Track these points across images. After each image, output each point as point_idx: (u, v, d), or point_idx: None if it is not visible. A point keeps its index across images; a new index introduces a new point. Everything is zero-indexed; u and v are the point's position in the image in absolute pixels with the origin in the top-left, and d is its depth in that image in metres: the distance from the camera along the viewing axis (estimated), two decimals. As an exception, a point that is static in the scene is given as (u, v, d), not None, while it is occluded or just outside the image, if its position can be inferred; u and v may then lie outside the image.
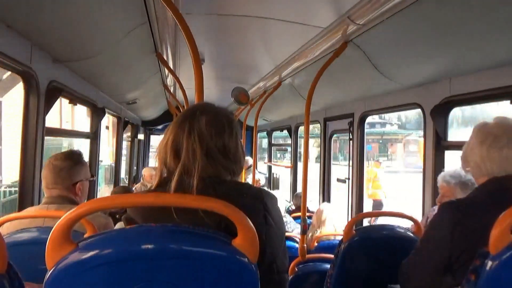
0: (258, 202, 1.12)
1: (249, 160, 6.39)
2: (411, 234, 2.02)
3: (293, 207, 5.20)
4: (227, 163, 1.16)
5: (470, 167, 1.42)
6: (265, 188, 5.82)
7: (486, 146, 1.34)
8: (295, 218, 3.97)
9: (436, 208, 2.37)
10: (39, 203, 2.38)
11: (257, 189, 1.19)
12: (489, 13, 1.68)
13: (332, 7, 2.18)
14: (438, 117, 2.67)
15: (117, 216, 3.02)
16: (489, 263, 1.05)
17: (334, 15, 2.21)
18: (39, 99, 2.41)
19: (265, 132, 8.09)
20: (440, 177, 2.21)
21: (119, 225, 1.17)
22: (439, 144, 2.73)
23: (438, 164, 2.70)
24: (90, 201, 0.97)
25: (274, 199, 1.18)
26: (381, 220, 7.21)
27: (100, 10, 2.07)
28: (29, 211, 1.86)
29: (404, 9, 1.83)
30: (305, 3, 2.22)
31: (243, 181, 6.32)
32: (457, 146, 2.55)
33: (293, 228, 3.54)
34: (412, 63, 2.54)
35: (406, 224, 2.45)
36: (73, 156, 1.96)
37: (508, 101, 2.13)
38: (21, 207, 2.31)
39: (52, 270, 0.89)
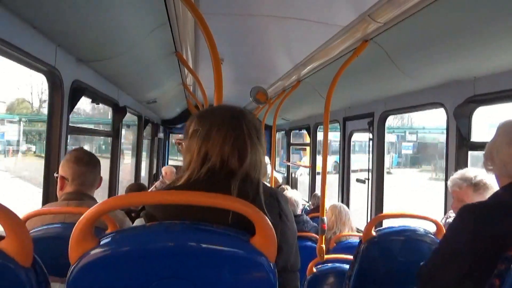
0: (273, 200, 1.14)
1: (266, 159, 6.37)
2: (432, 237, 1.98)
3: (311, 207, 5.17)
4: (255, 171, 1.18)
5: (495, 166, 1.37)
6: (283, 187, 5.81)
7: None
8: (312, 218, 3.95)
9: (451, 212, 2.31)
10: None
11: (272, 188, 1.22)
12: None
13: (352, 6, 2.15)
14: (461, 117, 2.61)
15: (132, 214, 3.06)
16: (514, 268, 1.02)
17: (354, 13, 2.18)
18: (63, 98, 2.48)
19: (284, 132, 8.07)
20: (450, 183, 2.15)
21: (138, 221, 1.19)
22: (462, 144, 2.66)
23: (461, 165, 2.63)
24: (112, 198, 0.99)
25: (286, 198, 1.22)
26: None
27: (122, 12, 2.11)
28: (50, 206, 1.90)
29: (426, 7, 1.79)
30: (325, 1, 2.21)
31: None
32: (481, 146, 2.49)
33: (310, 228, 3.53)
34: (434, 62, 2.49)
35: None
36: (92, 154, 1.99)
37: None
38: (45, 203, 2.38)
39: (75, 265, 0.91)
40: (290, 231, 1.15)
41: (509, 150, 1.31)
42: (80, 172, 1.87)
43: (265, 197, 1.12)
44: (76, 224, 0.93)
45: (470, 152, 2.69)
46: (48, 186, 2.45)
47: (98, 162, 1.97)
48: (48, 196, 2.44)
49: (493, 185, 2.05)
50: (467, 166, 2.65)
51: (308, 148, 6.74)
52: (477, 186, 2.05)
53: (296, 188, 7.36)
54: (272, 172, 5.47)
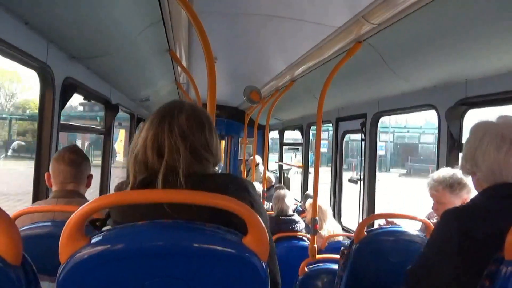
0: (243, 192, 1.14)
1: (258, 158, 6.37)
2: (423, 237, 1.99)
3: (303, 207, 5.18)
4: (210, 157, 1.18)
5: (479, 171, 1.33)
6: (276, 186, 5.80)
7: (504, 152, 1.26)
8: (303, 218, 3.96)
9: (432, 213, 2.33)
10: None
11: (240, 179, 1.21)
12: (506, 14, 1.64)
13: (346, 7, 2.16)
14: (452, 119, 2.63)
15: (97, 223, 3.04)
16: (504, 269, 1.03)
17: (348, 14, 2.19)
18: (55, 95, 2.45)
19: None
20: (428, 187, 2.18)
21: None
22: (453, 146, 2.69)
23: (452, 166, 2.65)
24: (104, 196, 0.98)
25: (254, 187, 1.21)
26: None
27: (115, 9, 2.09)
28: (38, 205, 1.88)
29: (420, 9, 1.81)
30: (319, 2, 2.21)
31: (253, 179, 6.32)
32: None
33: (301, 228, 3.53)
34: (427, 64, 2.51)
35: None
36: (81, 151, 1.98)
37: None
38: (35, 201, 2.36)
39: (65, 264, 0.90)
40: (263, 219, 1.13)
41: (498, 156, 1.27)
42: (61, 170, 1.86)
43: (234, 190, 1.11)
44: (66, 222, 0.92)
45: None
46: (39, 184, 2.42)
47: (84, 160, 1.93)
48: (38, 194, 2.42)
49: (468, 181, 2.07)
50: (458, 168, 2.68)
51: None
52: (453, 186, 2.07)
53: (289, 188, 7.37)
54: (265, 172, 5.47)
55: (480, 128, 1.35)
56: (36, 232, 1.57)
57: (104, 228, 1.12)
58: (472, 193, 2.08)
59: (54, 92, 2.44)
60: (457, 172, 2.12)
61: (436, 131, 2.86)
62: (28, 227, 1.58)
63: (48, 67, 2.33)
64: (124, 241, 0.94)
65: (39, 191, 2.41)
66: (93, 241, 0.93)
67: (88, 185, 1.98)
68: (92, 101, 3.71)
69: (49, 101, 2.43)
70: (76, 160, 1.89)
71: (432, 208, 2.20)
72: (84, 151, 2.06)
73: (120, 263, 0.91)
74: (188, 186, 1.06)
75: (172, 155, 1.11)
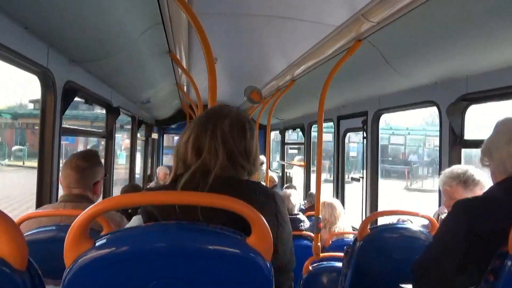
0: (270, 201, 1.16)
1: (262, 158, 6.37)
2: (427, 233, 1.99)
3: (306, 205, 5.18)
4: (246, 164, 1.21)
5: (492, 163, 1.38)
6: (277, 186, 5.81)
7: None
8: (307, 217, 3.96)
9: (442, 208, 2.33)
10: (57, 201, 2.42)
11: (269, 189, 1.24)
12: (505, 10, 1.64)
13: (345, 5, 2.16)
14: (454, 115, 2.63)
15: (129, 211, 3.03)
16: (509, 263, 1.03)
17: (348, 13, 2.19)
18: (56, 99, 2.46)
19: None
20: (440, 182, 2.18)
21: (136, 218, 1.19)
22: (455, 142, 2.68)
23: (454, 163, 2.65)
24: (107, 200, 0.99)
25: (283, 199, 1.24)
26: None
27: (115, 11, 2.10)
28: (46, 208, 1.89)
29: (419, 6, 1.81)
30: (318, 1, 2.21)
31: (256, 179, 6.32)
32: (474, 144, 2.51)
33: (306, 227, 3.54)
34: (427, 61, 2.50)
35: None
36: (94, 156, 2.01)
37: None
38: (39, 205, 2.36)
39: (70, 267, 0.91)
40: (285, 232, 1.17)
41: (508, 148, 1.32)
42: (67, 174, 1.90)
43: (262, 197, 1.14)
44: (71, 226, 0.92)
45: (463, 150, 2.71)
46: (42, 188, 2.43)
47: (91, 166, 1.95)
48: (42, 198, 2.42)
49: (482, 179, 2.08)
50: (460, 164, 2.68)
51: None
52: (467, 183, 2.08)
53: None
54: (267, 171, 5.47)
55: (498, 124, 1.41)
56: (41, 236, 1.57)
57: (133, 218, 1.16)
58: (485, 190, 2.09)
59: (55, 96, 2.45)
60: (470, 168, 2.12)
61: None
62: (33, 231, 1.58)
63: (48, 71, 2.34)
64: (128, 243, 0.94)
65: (42, 195, 2.42)
66: (97, 244, 0.93)
67: (95, 192, 1.98)
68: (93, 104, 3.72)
69: (51, 105, 2.44)
70: (81, 166, 1.91)
71: (445, 204, 2.20)
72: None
73: (125, 265, 0.91)
74: (216, 188, 1.08)
75: (209, 156, 1.15)
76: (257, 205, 0.98)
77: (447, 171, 2.17)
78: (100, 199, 2.06)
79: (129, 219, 1.19)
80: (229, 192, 1.01)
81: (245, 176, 1.21)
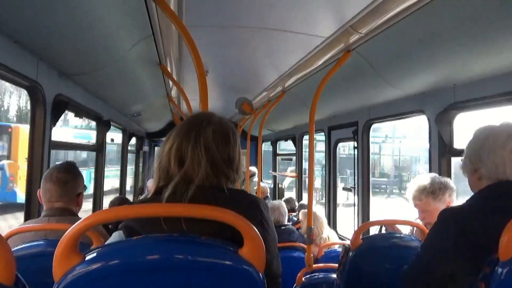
0: (255, 209, 1.14)
1: (254, 168, 6.37)
2: (418, 243, 1.99)
3: (298, 217, 5.17)
4: (230, 172, 1.18)
5: (484, 167, 1.36)
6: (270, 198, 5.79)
7: (509, 149, 1.31)
8: (299, 229, 3.95)
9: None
10: None
11: (253, 196, 1.21)
12: (492, 19, 1.68)
13: (334, 17, 2.19)
14: (442, 123, 2.66)
15: (109, 226, 3.01)
16: (500, 270, 1.03)
17: (336, 24, 2.22)
18: (46, 113, 2.44)
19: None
20: (410, 198, 2.20)
21: (116, 234, 1.16)
22: (444, 151, 2.71)
23: (444, 171, 2.68)
24: (96, 213, 0.98)
25: (267, 206, 1.21)
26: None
27: (105, 25, 2.10)
28: (29, 223, 1.86)
29: (406, 17, 1.84)
30: (307, 13, 2.24)
31: (247, 190, 6.30)
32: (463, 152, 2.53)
33: (296, 238, 3.52)
34: (415, 71, 2.54)
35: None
36: (74, 168, 1.97)
37: (513, 107, 2.12)
38: (27, 219, 2.33)
39: (59, 282, 0.89)
40: (271, 239, 1.16)
41: (503, 152, 1.32)
42: (48, 188, 1.87)
43: (245, 206, 1.11)
44: (60, 240, 0.91)
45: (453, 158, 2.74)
46: (30, 203, 2.39)
47: (73, 178, 1.92)
48: (30, 213, 2.38)
49: (448, 183, 2.10)
50: (450, 173, 2.70)
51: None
52: (435, 193, 2.10)
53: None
54: (259, 182, 5.46)
55: (485, 129, 1.41)
56: (29, 252, 1.54)
57: (114, 234, 1.13)
58: (455, 194, 2.13)
59: (45, 110, 2.43)
60: (434, 176, 2.15)
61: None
62: (21, 246, 1.55)
63: (38, 85, 2.33)
64: (118, 257, 0.93)
65: (31, 209, 2.38)
66: (87, 258, 0.92)
67: (78, 204, 1.95)
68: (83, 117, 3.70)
69: (40, 119, 2.42)
70: (63, 179, 1.87)
71: (419, 218, 2.21)
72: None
73: (115, 279, 0.90)
74: (200, 198, 1.06)
75: (192, 166, 1.12)
76: (243, 214, 0.97)
77: (412, 185, 2.18)
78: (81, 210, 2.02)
79: (110, 234, 1.16)
80: (213, 202, 1.01)
81: (229, 185, 1.18)
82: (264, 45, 2.93)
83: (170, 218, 1.03)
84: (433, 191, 2.10)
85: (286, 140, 7.23)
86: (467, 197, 1.41)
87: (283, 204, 3.75)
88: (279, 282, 1.19)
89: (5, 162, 11.95)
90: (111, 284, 0.90)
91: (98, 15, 1.98)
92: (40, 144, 2.42)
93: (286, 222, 3.62)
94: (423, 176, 2.22)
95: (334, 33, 2.31)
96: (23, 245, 1.57)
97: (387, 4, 1.76)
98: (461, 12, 1.71)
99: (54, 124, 2.58)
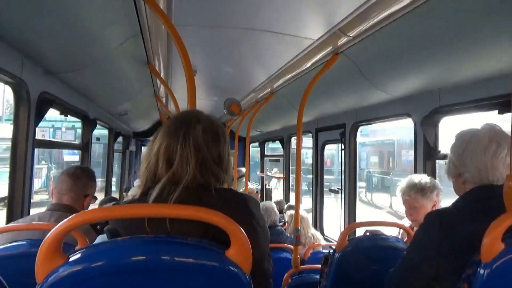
0: (243, 208, 1.11)
1: (242, 169, 6.36)
2: (404, 245, 2.02)
3: (285, 219, 5.18)
4: (219, 172, 1.15)
5: (467, 172, 1.38)
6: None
7: (490, 154, 1.33)
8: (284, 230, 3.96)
9: (405, 220, 2.39)
10: (29, 214, 2.35)
11: (241, 194, 1.18)
12: (477, 26, 1.71)
13: (323, 20, 2.21)
14: (428, 127, 2.70)
15: (98, 227, 3.01)
16: (482, 272, 1.05)
17: (325, 27, 2.24)
18: (30, 111, 2.39)
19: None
20: (399, 193, 2.28)
21: (100, 238, 1.14)
22: (429, 154, 2.75)
23: (429, 174, 2.72)
24: (81, 213, 0.96)
25: (257, 203, 1.18)
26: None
27: (92, 22, 2.07)
28: (32, 217, 1.86)
29: (394, 21, 1.86)
30: (296, 15, 2.25)
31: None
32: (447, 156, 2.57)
33: (285, 239, 3.53)
34: (402, 74, 2.58)
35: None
36: (90, 171, 2.10)
37: (496, 111, 2.16)
38: (9, 217, 2.28)
39: (41, 284, 0.87)
40: (262, 238, 1.12)
41: (485, 157, 1.34)
42: (61, 180, 1.97)
43: (233, 205, 1.09)
44: (43, 240, 0.89)
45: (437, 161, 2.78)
46: (13, 201, 2.34)
47: (86, 177, 2.02)
48: (13, 213, 2.33)
49: (437, 184, 2.20)
50: (435, 175, 2.74)
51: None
52: (424, 190, 2.18)
53: (270, 199, 7.36)
54: (246, 183, 5.46)
55: (467, 133, 1.43)
56: (12, 252, 1.51)
57: (98, 237, 1.11)
58: (442, 195, 2.21)
59: (29, 108, 2.38)
60: (424, 177, 2.23)
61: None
62: (3, 247, 1.52)
63: (23, 82, 2.28)
64: (103, 258, 0.92)
65: (14, 207, 2.34)
66: (71, 259, 0.90)
67: (83, 205, 2.01)
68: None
69: (24, 117, 2.37)
70: (77, 174, 2.00)
71: (406, 214, 2.26)
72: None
73: (100, 280, 0.89)
74: (187, 199, 1.04)
75: (181, 166, 1.09)
76: (230, 214, 0.95)
77: (404, 181, 2.26)
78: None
79: (98, 235, 1.15)
80: (200, 203, 0.99)
81: (218, 185, 1.15)
82: (253, 46, 2.93)
83: (154, 220, 1.01)
84: (422, 188, 2.18)
85: (274, 141, 7.24)
86: (451, 199, 1.44)
87: (274, 205, 3.77)
88: (270, 282, 1.17)
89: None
90: (95, 286, 0.88)
91: (85, 11, 1.95)
92: (24, 142, 2.38)
93: (278, 223, 3.64)
94: (414, 175, 2.30)
95: (322, 35, 2.33)
96: (7, 245, 1.54)
97: (376, 8, 1.79)
98: (448, 18, 1.74)
99: (38, 122, 2.54)
